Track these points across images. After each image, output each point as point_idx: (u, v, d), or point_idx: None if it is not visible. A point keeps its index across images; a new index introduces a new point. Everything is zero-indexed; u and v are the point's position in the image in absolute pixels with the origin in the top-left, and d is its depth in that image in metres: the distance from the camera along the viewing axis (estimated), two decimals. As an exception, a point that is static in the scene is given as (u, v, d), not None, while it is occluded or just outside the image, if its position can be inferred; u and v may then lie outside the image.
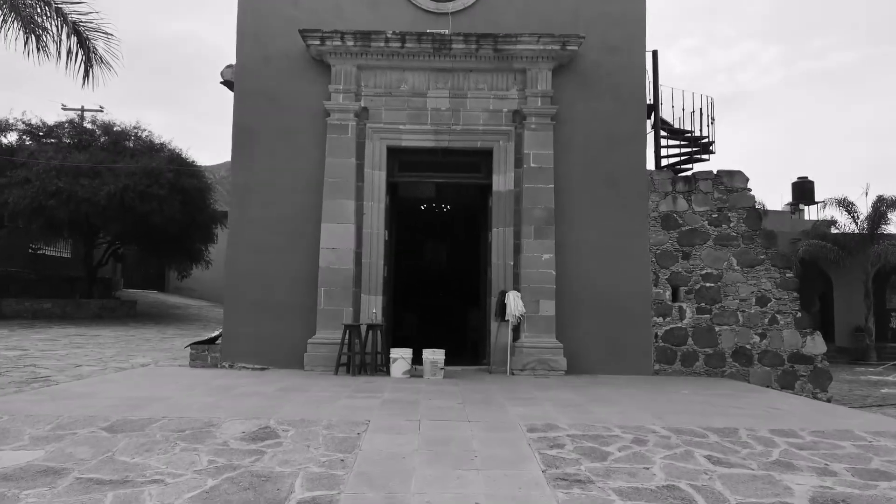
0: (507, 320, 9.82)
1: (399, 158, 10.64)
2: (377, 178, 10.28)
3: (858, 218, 21.97)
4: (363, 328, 9.56)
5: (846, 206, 22.06)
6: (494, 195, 10.34)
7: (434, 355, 9.06)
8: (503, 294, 9.97)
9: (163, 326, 20.43)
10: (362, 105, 10.32)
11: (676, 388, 8.63)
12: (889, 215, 21.64)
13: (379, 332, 9.51)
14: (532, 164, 10.18)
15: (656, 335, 10.15)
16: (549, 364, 9.70)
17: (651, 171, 10.57)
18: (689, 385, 9.02)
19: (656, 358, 10.10)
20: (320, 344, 9.67)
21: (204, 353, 10.08)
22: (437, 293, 16.97)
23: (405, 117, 10.35)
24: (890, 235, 21.76)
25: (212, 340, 10.52)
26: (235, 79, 10.46)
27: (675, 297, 10.26)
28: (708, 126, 12.32)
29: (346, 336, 9.26)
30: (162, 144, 23.36)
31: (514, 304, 9.74)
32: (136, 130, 23.58)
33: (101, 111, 26.66)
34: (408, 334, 13.70)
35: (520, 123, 10.39)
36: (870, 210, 21.90)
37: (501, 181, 10.32)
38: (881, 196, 21.74)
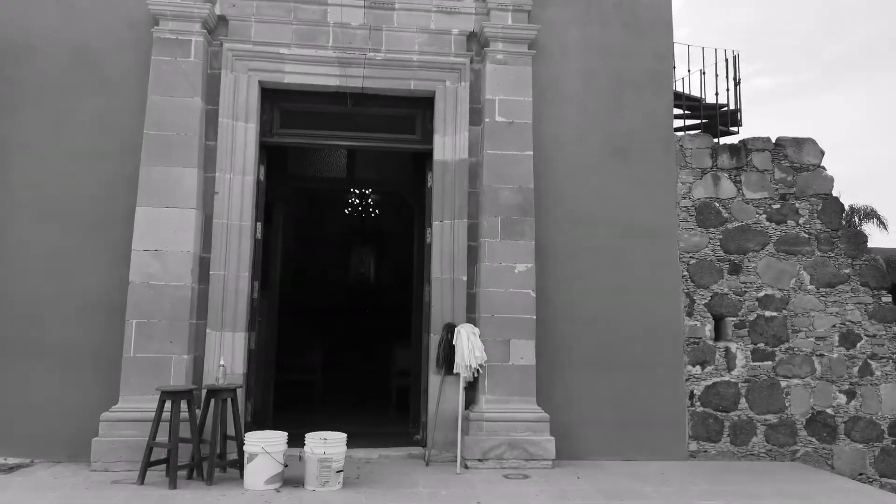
0: (458, 373, 5.86)
1: (281, 106, 6.52)
2: (242, 136, 6.13)
3: None
4: (203, 395, 5.40)
5: None
6: (436, 168, 6.37)
7: (326, 447, 4.95)
8: (451, 330, 6.00)
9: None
10: (217, 12, 6.18)
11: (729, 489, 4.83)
12: None
13: (230, 402, 5.32)
14: (498, 118, 6.26)
15: (692, 395, 6.37)
16: (527, 449, 5.76)
17: (681, 136, 6.82)
18: (746, 479, 5.28)
19: (693, 432, 6.31)
20: (124, 421, 5.42)
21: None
22: (355, 318, 12.88)
23: (290, 35, 6.27)
24: None
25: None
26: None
27: (718, 334, 6.52)
28: (735, 88, 8.72)
29: (170, 410, 5.03)
30: None
31: (469, 346, 5.77)
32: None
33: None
34: (309, 377, 9.53)
35: (478, 53, 6.48)
36: None
37: (448, 146, 6.36)
38: None
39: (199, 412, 5.30)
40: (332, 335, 13.29)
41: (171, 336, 5.63)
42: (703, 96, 8.38)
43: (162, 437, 5.06)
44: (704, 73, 8.28)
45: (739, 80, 8.58)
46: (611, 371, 6.25)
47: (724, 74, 8.15)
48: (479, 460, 5.72)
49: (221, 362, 5.39)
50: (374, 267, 16.25)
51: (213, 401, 5.21)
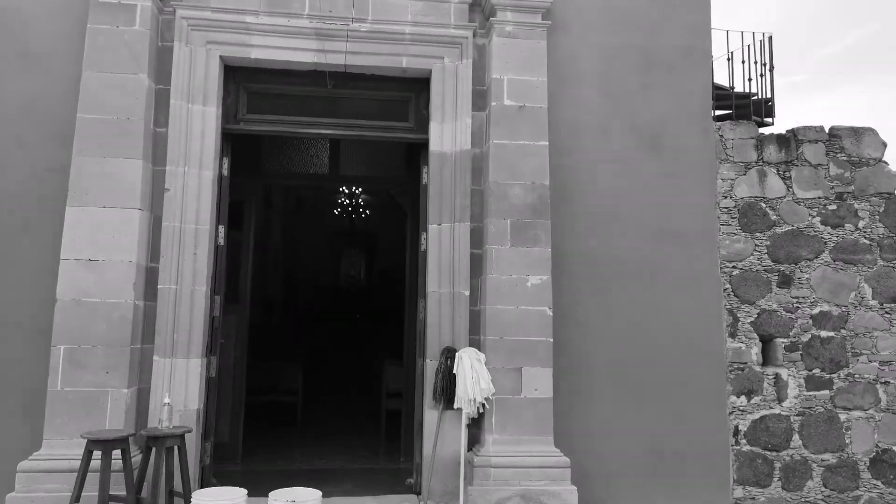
0: (459, 408, 4.84)
1: (248, 87, 5.48)
2: (199, 122, 5.09)
3: None
4: (144, 442, 4.36)
5: None
6: (433, 161, 5.34)
7: (294, 511, 3.92)
8: (451, 356, 4.98)
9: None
10: (170, -28, 5.15)
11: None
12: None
13: (177, 450, 4.27)
14: (507, 102, 5.24)
15: (736, 430, 5.37)
16: (544, 502, 4.73)
17: (721, 125, 5.82)
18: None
19: (738, 475, 5.31)
20: (47, 472, 4.36)
21: None
22: (344, 324, 11.89)
23: (258, 1, 5.23)
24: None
25: None
26: None
27: (766, 358, 5.52)
28: (767, 75, 7.74)
29: (99, 462, 3.99)
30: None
31: (473, 376, 4.75)
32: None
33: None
34: (288, 399, 8.48)
35: (483, 25, 5.47)
36: None
37: (447, 135, 5.34)
38: None
39: (129, 470, 4.23)
40: (319, 342, 12.30)
41: (107, 365, 4.58)
42: (731, 84, 7.39)
43: (92, 490, 4.04)
44: (732, 57, 7.31)
45: (772, 65, 7.58)
46: (640, 403, 5.24)
47: (752, 60, 7.19)
48: (486, 516, 4.69)
49: (166, 400, 4.35)
50: (365, 269, 15.30)
51: (154, 449, 4.16)
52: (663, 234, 5.42)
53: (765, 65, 7.35)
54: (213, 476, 5.17)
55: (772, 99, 7.81)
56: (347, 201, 11.87)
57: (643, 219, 5.42)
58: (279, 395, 8.35)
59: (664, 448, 5.21)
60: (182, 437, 4.25)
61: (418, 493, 5.16)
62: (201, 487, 4.92)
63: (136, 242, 4.74)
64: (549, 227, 5.13)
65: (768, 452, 5.35)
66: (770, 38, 7.47)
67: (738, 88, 6.95)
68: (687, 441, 5.23)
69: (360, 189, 11.35)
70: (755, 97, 7.92)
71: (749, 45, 6.98)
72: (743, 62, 6.85)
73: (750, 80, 7.36)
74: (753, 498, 5.29)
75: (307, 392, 8.86)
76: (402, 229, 7.01)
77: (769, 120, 7.56)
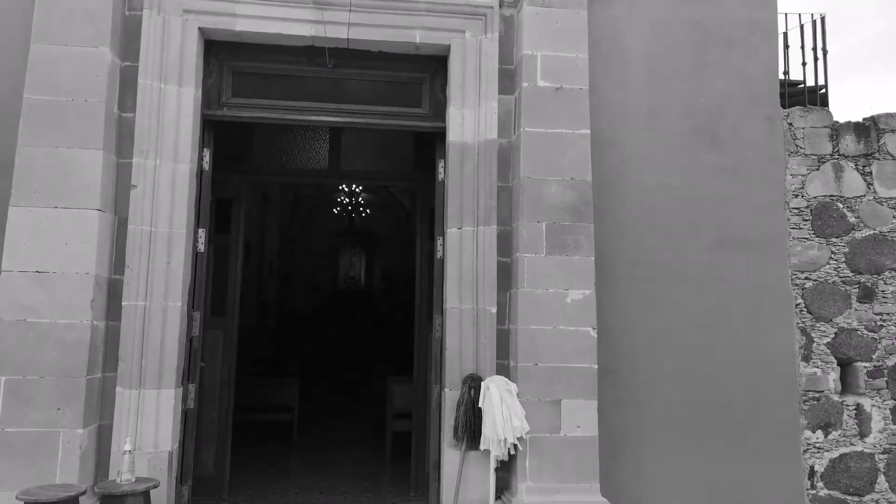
0: (488, 449, 4.01)
1: (233, 65, 4.63)
2: (174, 106, 4.25)
3: None
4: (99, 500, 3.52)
5: None
6: (452, 153, 4.50)
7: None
8: (475, 384, 4.15)
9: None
10: (139, -73, 4.30)
11: None
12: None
13: (139, 508, 3.44)
14: (541, 83, 4.40)
15: (812, 472, 4.53)
16: (590, 566, 3.91)
17: (789, 112, 4.98)
18: None
19: (814, 525, 4.48)
20: (-19, 536, 3.54)
21: None
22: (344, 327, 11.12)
23: (245, -37, 4.39)
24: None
25: None
26: None
27: (845, 385, 4.68)
28: (823, 58, 6.89)
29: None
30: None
31: (503, 413, 3.91)
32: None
33: None
34: (284, 417, 7.64)
35: (511, -8, 4.63)
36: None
37: (468, 122, 4.50)
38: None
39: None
40: (318, 350, 11.53)
41: (59, 400, 3.75)
42: (787, 68, 6.54)
43: (37, 560, 3.21)
44: (787, 39, 6.48)
45: (826, 49, 6.74)
46: (699, 440, 4.40)
47: (801, 43, 6.37)
48: (519, 582, 3.86)
49: (126, 447, 3.51)
50: (365, 271, 14.56)
51: (113, 510, 3.33)
52: (724, 239, 4.58)
53: (817, 48, 6.52)
54: (192, 527, 4.34)
55: (825, 86, 6.98)
56: (347, 200, 11.05)
57: (701, 222, 4.58)
58: (273, 414, 7.52)
59: (727, 492, 4.38)
60: (146, 494, 3.41)
61: (435, 546, 4.34)
62: (176, 545, 4.11)
63: (96, 250, 3.90)
64: (591, 231, 4.29)
65: (850, 497, 4.52)
66: (823, 19, 6.65)
67: (804, 72, 6.10)
68: (755, 485, 4.39)
69: (361, 188, 10.54)
70: (801, 85, 7.11)
71: (802, 26, 6.16)
72: (801, 47, 6.01)
73: (804, 64, 6.53)
74: (833, 553, 4.46)
75: (304, 409, 8.03)
76: (406, 231, 6.18)
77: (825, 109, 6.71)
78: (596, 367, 4.16)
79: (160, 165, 4.17)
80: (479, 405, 4.05)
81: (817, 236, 4.72)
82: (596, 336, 4.18)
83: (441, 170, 4.67)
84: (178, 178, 4.20)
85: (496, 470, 4.09)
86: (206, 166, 4.54)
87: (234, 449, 5.71)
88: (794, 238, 4.70)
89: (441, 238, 4.61)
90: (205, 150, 4.53)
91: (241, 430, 6.55)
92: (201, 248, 4.49)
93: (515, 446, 4.01)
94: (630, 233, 4.49)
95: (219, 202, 5.58)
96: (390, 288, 14.20)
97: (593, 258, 4.26)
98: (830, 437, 4.56)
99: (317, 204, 12.43)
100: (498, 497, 4.14)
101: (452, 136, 4.50)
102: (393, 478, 6.26)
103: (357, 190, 10.80)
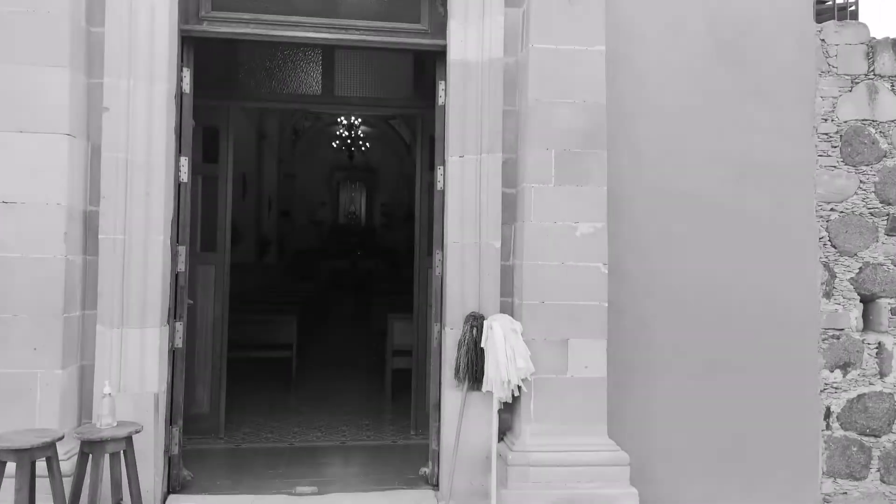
0: (490, 391, 3.81)
1: (212, -25, 4.22)
2: (148, 18, 3.84)
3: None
4: (83, 447, 3.32)
5: None
6: (453, 73, 4.12)
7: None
8: (477, 323, 3.92)
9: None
10: None
11: None
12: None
13: (123, 455, 3.25)
14: (551, -7, 3.98)
15: (827, 412, 4.35)
16: (596, 509, 3.76)
17: (823, 27, 4.54)
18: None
19: (827, 466, 4.32)
20: (-42, 480, 3.38)
21: None
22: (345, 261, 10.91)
23: None
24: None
25: None
26: None
27: (867, 323, 4.45)
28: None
29: (14, 476, 2.98)
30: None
31: (507, 352, 3.69)
32: None
33: None
34: (282, 355, 7.50)
35: None
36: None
37: (472, 38, 4.10)
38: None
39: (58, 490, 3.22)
40: (317, 286, 11.37)
41: (34, 340, 3.53)
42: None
43: (16, 504, 3.05)
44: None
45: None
46: (711, 377, 4.20)
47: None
48: (522, 525, 3.73)
49: (106, 389, 3.30)
50: (366, 206, 14.31)
51: (91, 457, 3.14)
52: (746, 167, 4.26)
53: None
54: (186, 467, 4.20)
55: (856, 2, 6.53)
56: (346, 133, 10.63)
57: (721, 148, 4.25)
58: (270, 352, 7.38)
59: (740, 433, 4.21)
60: (128, 439, 3.21)
61: (435, 486, 4.21)
62: (169, 487, 3.97)
63: (67, 179, 3.59)
64: (604, 158, 3.96)
65: (866, 438, 4.35)
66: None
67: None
68: (768, 426, 4.22)
69: (360, 120, 10.11)
70: (829, 2, 6.68)
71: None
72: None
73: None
74: (845, 493, 4.32)
75: (302, 347, 7.90)
76: (407, 164, 5.85)
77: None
78: (606, 304, 3.91)
79: (134, 86, 3.81)
80: (482, 345, 3.82)
81: (846, 164, 4.39)
82: (606, 272, 3.92)
83: (441, 92, 4.30)
84: (154, 100, 3.84)
85: (499, 411, 3.90)
86: (187, 88, 4.17)
87: (232, 388, 5.59)
88: (820, 166, 4.37)
89: (441, 167, 4.29)
90: (184, 69, 4.15)
91: (238, 368, 6.42)
92: (184, 177, 4.17)
93: (519, 388, 3.80)
94: (644, 161, 4.17)
95: (206, 131, 5.25)
96: (391, 223, 13.96)
97: (605, 188, 3.94)
98: (849, 376, 4.36)
99: (315, 137, 12.03)
100: (501, 439, 3.96)
101: (454, 54, 4.11)
102: (393, 416, 6.16)
103: (356, 122, 10.38)
